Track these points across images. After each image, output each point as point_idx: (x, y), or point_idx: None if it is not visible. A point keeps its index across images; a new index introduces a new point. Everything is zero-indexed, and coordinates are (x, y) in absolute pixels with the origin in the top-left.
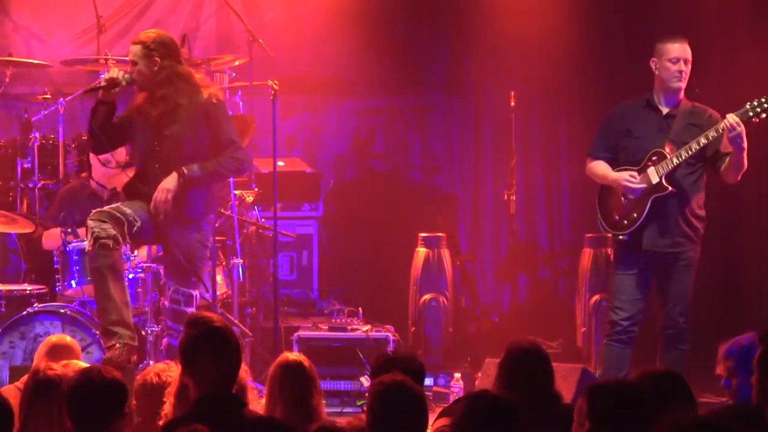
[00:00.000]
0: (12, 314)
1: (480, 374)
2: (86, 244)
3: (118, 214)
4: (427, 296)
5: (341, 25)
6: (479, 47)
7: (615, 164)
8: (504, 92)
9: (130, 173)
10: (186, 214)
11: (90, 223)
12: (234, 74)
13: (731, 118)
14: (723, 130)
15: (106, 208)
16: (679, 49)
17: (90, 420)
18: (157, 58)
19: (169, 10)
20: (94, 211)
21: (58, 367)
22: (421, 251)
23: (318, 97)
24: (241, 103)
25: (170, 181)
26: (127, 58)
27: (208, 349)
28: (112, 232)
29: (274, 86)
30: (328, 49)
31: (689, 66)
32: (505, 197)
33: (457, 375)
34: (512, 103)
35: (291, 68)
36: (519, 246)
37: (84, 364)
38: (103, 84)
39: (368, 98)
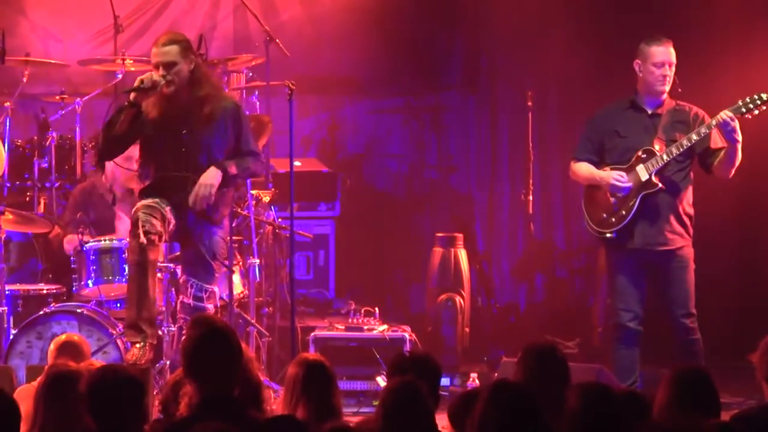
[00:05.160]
0: (29, 314)
1: (497, 374)
2: (138, 237)
3: (163, 212)
4: (443, 296)
5: (358, 24)
6: (496, 47)
7: (601, 166)
8: (520, 92)
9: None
10: (210, 214)
11: (141, 216)
12: (251, 74)
13: (725, 114)
14: (715, 126)
15: (152, 202)
16: (663, 53)
17: (110, 418)
18: (192, 56)
19: (186, 10)
20: (142, 203)
21: (72, 365)
22: (438, 251)
23: (335, 97)
24: (257, 103)
25: (213, 176)
26: (145, 58)
27: (206, 351)
28: (160, 229)
29: (291, 86)
30: (345, 49)
31: (673, 68)
32: (522, 197)
33: (474, 375)
34: (529, 103)
35: (308, 68)
36: (536, 245)
37: (100, 363)
38: (145, 86)
39: (385, 98)
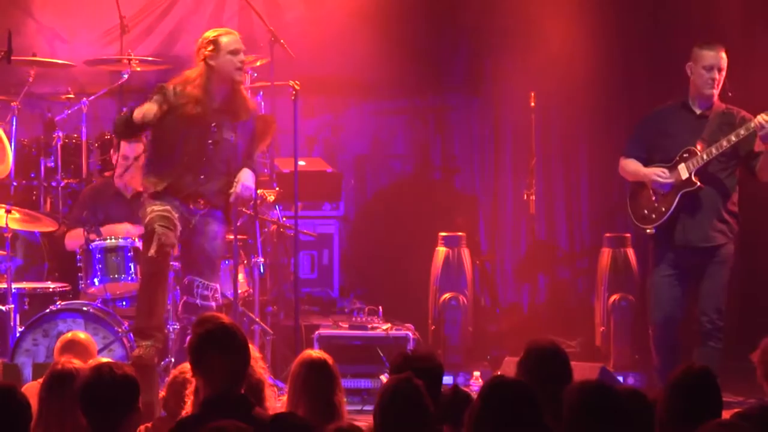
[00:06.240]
0: (35, 312)
1: (499, 373)
2: (151, 249)
3: (175, 221)
4: (446, 295)
5: (362, 25)
6: (500, 48)
7: (650, 164)
8: (524, 93)
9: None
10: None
11: (157, 228)
12: (255, 74)
13: (761, 118)
14: (753, 128)
15: (164, 212)
16: (713, 57)
17: (102, 415)
18: None
19: (191, 10)
20: (156, 213)
21: (76, 362)
22: (441, 250)
23: (339, 98)
24: (262, 104)
25: (251, 179)
26: (150, 58)
27: (215, 348)
28: (174, 241)
29: (296, 87)
30: (350, 50)
31: (723, 73)
32: (525, 197)
33: (477, 374)
34: (532, 104)
35: (312, 69)
36: (538, 246)
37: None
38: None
39: (389, 99)
